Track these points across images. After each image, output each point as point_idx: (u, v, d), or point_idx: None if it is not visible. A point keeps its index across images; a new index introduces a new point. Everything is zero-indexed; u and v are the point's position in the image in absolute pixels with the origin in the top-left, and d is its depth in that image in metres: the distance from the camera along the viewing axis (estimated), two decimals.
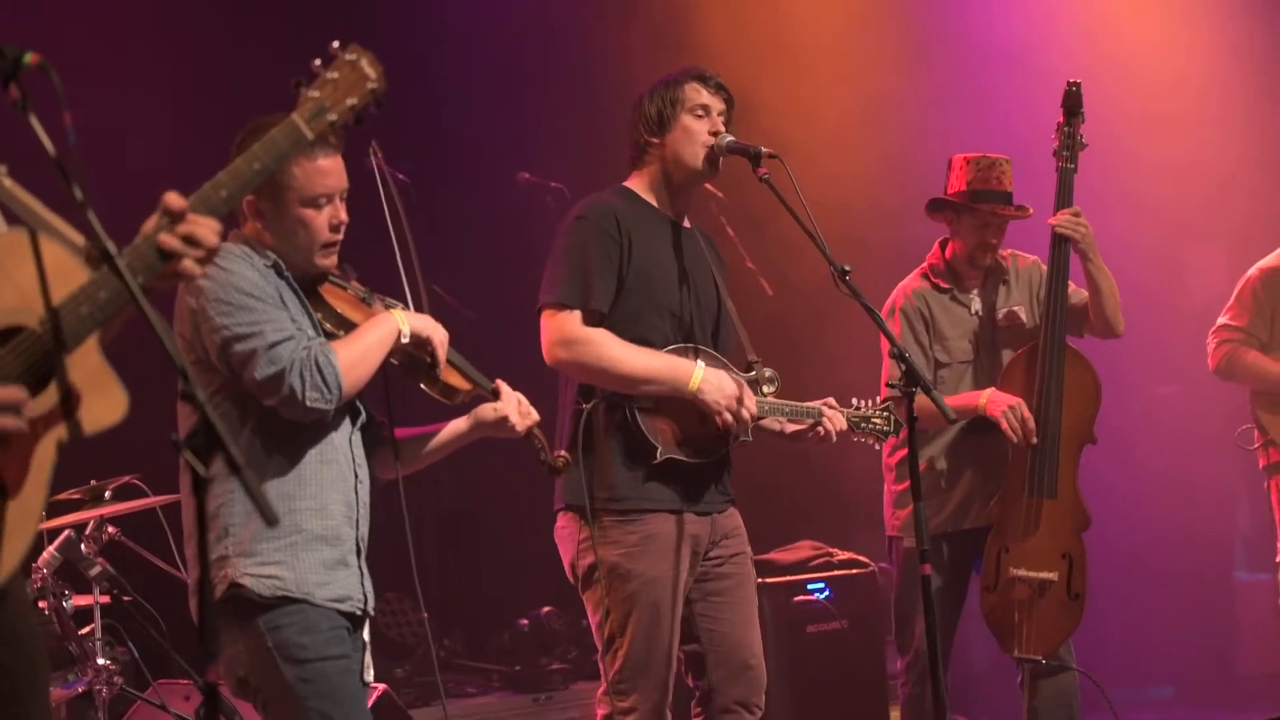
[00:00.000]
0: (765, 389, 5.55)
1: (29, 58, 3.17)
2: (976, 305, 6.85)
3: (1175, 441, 9.94)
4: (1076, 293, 6.79)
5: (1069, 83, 6.85)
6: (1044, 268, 6.88)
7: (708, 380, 5.35)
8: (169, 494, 6.71)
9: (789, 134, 8.28)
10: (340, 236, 4.65)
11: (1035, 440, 6.52)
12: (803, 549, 8.26)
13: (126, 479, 6.82)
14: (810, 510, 9.52)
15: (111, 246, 3.14)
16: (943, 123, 9.82)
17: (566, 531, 5.55)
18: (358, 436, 4.73)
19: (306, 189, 4.56)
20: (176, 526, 6.88)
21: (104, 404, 3.30)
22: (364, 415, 4.78)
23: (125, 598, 6.71)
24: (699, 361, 5.41)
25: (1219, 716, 9.36)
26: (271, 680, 4.50)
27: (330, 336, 4.62)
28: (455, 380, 4.81)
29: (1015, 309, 6.84)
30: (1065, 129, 6.79)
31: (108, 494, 6.77)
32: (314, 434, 4.57)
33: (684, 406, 5.40)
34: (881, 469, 6.95)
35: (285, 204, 4.56)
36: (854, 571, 8.08)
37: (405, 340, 4.59)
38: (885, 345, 6.65)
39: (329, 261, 4.67)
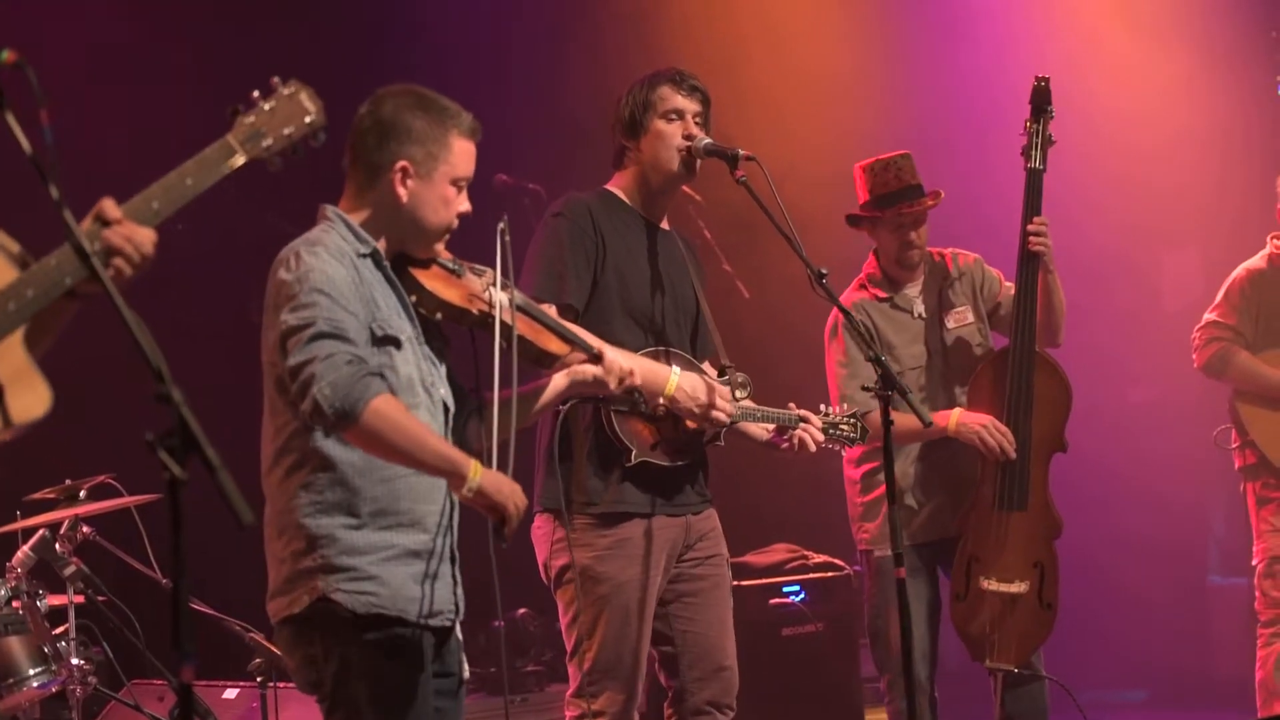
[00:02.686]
0: (738, 394, 5.52)
1: (5, 55, 3.16)
2: (919, 308, 6.76)
3: (1149, 446, 9.97)
4: (1008, 291, 6.77)
5: (1037, 78, 6.74)
6: (985, 267, 6.86)
7: (682, 385, 5.34)
8: (144, 494, 6.71)
9: (767, 133, 8.30)
10: (457, 226, 4.60)
11: (1013, 456, 6.50)
12: (778, 552, 8.27)
13: (101, 479, 6.81)
14: (786, 513, 9.52)
15: (87, 244, 3.15)
16: (925, 124, 9.84)
17: (541, 532, 5.55)
18: (451, 437, 4.58)
19: (460, 167, 4.53)
20: (151, 526, 6.90)
21: (28, 398, 3.32)
22: (453, 409, 4.64)
23: (100, 598, 6.70)
24: (674, 366, 5.40)
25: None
26: (345, 691, 4.40)
27: (426, 322, 4.54)
28: (554, 346, 4.74)
29: (962, 309, 6.80)
30: (1033, 127, 6.69)
31: (83, 493, 6.76)
32: None
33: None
34: (844, 483, 6.89)
35: (437, 178, 4.50)
36: (829, 574, 8.08)
37: (469, 494, 4.33)
38: (830, 359, 6.67)
39: (441, 248, 4.61)
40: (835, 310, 6.62)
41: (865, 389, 5.62)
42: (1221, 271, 7.76)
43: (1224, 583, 10.36)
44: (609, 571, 5.42)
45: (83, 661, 6.60)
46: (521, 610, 9.05)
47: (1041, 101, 6.71)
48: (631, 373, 4.89)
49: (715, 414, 5.38)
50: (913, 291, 6.79)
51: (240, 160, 3.54)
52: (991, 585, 6.56)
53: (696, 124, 5.56)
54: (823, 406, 5.79)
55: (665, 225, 5.73)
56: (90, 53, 8.27)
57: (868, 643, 6.98)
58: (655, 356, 5.46)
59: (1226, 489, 9.22)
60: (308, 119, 3.64)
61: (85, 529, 6.73)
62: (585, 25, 9.70)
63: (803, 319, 7.85)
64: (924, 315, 6.76)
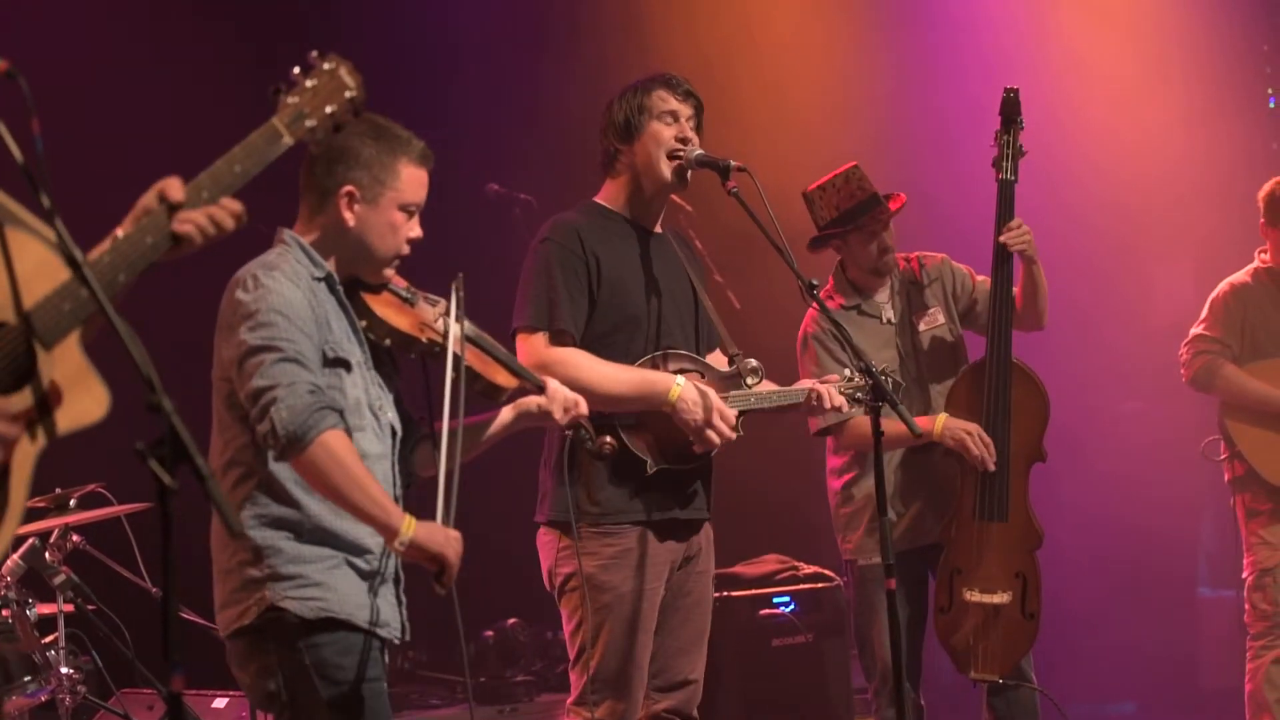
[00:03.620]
0: (750, 380, 5.52)
1: None
2: (888, 314, 6.76)
3: (1139, 457, 9.97)
4: (982, 286, 6.79)
5: (1006, 89, 6.74)
6: (953, 264, 6.86)
7: (683, 397, 5.35)
8: (134, 503, 6.70)
9: (758, 145, 8.31)
10: (408, 252, 4.63)
11: (993, 467, 6.51)
12: (768, 562, 8.27)
13: (92, 487, 6.82)
14: (776, 524, 9.53)
15: (78, 254, 3.15)
16: (911, 138, 9.85)
17: (547, 539, 5.57)
18: (398, 463, 4.66)
19: (407, 193, 4.56)
20: (141, 535, 6.90)
21: (86, 401, 3.31)
22: (401, 433, 4.69)
23: (89, 606, 6.70)
24: (677, 376, 5.41)
25: None
26: (304, 697, 4.44)
27: (376, 348, 4.59)
28: (501, 379, 4.77)
29: (932, 310, 6.80)
30: (1004, 138, 6.69)
31: (73, 502, 6.76)
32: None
33: (666, 418, 5.40)
34: (827, 494, 6.89)
35: (384, 204, 4.53)
36: (819, 585, 8.08)
37: (400, 548, 4.38)
38: (803, 370, 6.66)
39: (392, 274, 4.65)
40: (804, 322, 6.72)
41: (857, 400, 5.63)
42: (1213, 286, 7.77)
43: (1213, 595, 10.36)
44: (612, 581, 5.43)
45: (72, 670, 6.59)
46: (512, 620, 9.06)
47: (1011, 113, 6.71)
48: (577, 404, 4.91)
49: (710, 434, 5.38)
50: (881, 297, 6.80)
51: (288, 143, 3.54)
52: (974, 596, 6.57)
53: (690, 127, 5.56)
54: (847, 372, 5.73)
55: (659, 229, 5.72)
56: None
57: (857, 654, 6.99)
58: (656, 361, 5.48)
59: (1216, 501, 9.23)
60: (348, 94, 3.63)
61: (75, 538, 6.74)
62: (576, 37, 9.72)
63: (794, 330, 7.86)
64: (893, 320, 6.76)
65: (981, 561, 6.58)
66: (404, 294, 4.69)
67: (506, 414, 4.89)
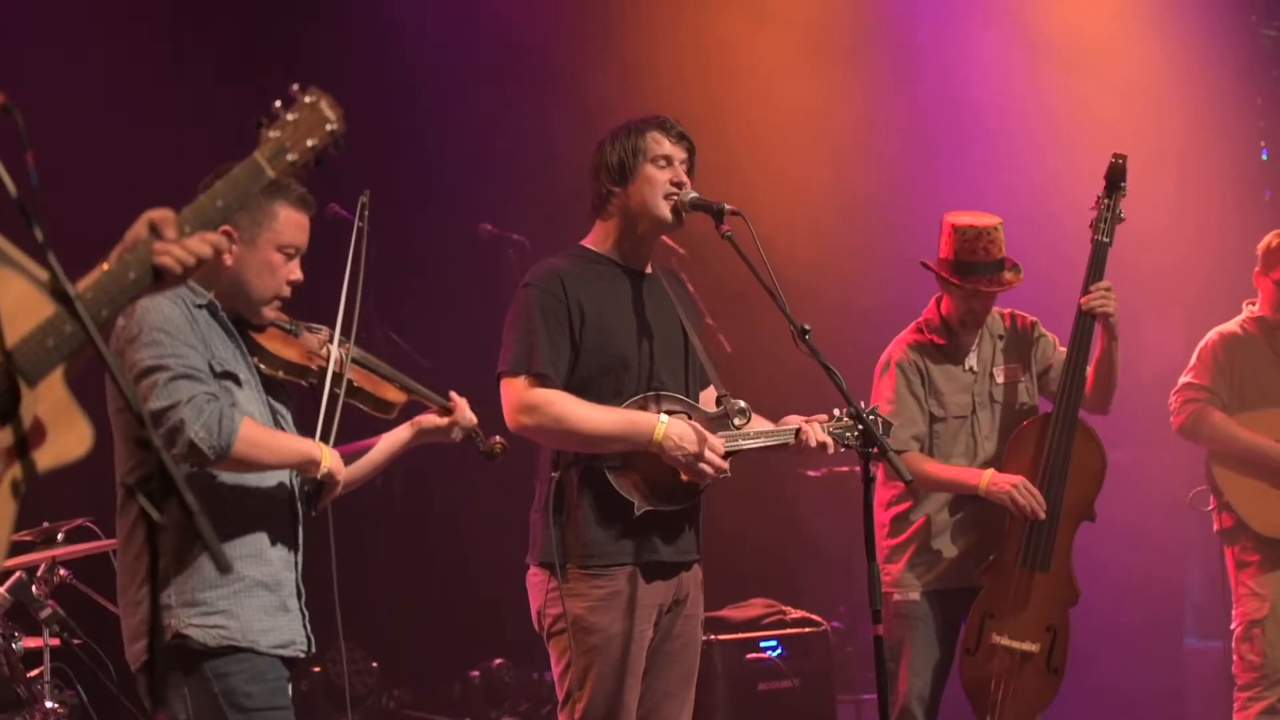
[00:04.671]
0: (737, 421, 5.49)
1: None
2: (972, 362, 6.82)
3: (1128, 508, 9.95)
4: (1060, 355, 6.84)
5: (1115, 155, 6.83)
6: (1043, 329, 6.91)
7: (669, 435, 5.34)
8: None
9: (746, 185, 8.33)
10: (288, 294, 4.72)
11: (1043, 515, 6.54)
12: (755, 606, 8.26)
13: (79, 522, 6.80)
14: (764, 568, 9.52)
15: (71, 290, 3.15)
16: (904, 180, 9.87)
17: (536, 580, 5.55)
18: (297, 477, 4.76)
19: (284, 236, 4.65)
20: None
21: (69, 437, 3.30)
22: None
23: (75, 641, 6.68)
24: (661, 415, 5.40)
25: None
26: None
27: (268, 380, 4.70)
28: (391, 395, 4.97)
29: (1013, 366, 6.86)
30: (1105, 202, 6.81)
31: (60, 536, 6.75)
32: (254, 477, 4.60)
33: (653, 459, 5.39)
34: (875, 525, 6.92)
35: (260, 245, 4.62)
36: (806, 630, 8.07)
37: (320, 475, 4.64)
38: (878, 394, 6.67)
39: (273, 314, 4.73)
40: (891, 346, 6.81)
41: (846, 446, 5.59)
42: (1202, 335, 7.79)
43: (1200, 645, 10.35)
44: (601, 623, 5.41)
45: (57, 705, 6.57)
46: (498, 660, 9.03)
47: (1116, 178, 6.82)
48: (473, 423, 5.12)
49: (703, 466, 5.38)
50: (968, 343, 6.84)
51: (270, 176, 3.57)
52: (1003, 641, 6.61)
53: (683, 171, 5.56)
54: (835, 411, 5.69)
55: (649, 270, 5.72)
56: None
57: (845, 698, 6.99)
58: (645, 403, 5.46)
59: (1203, 551, 9.23)
60: (329, 127, 3.64)
61: (62, 571, 6.72)
62: (571, 75, 9.73)
63: (785, 374, 7.87)
64: (975, 369, 6.82)
65: (1016, 609, 6.63)
66: (288, 327, 4.84)
67: (403, 433, 5.09)
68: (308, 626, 4.76)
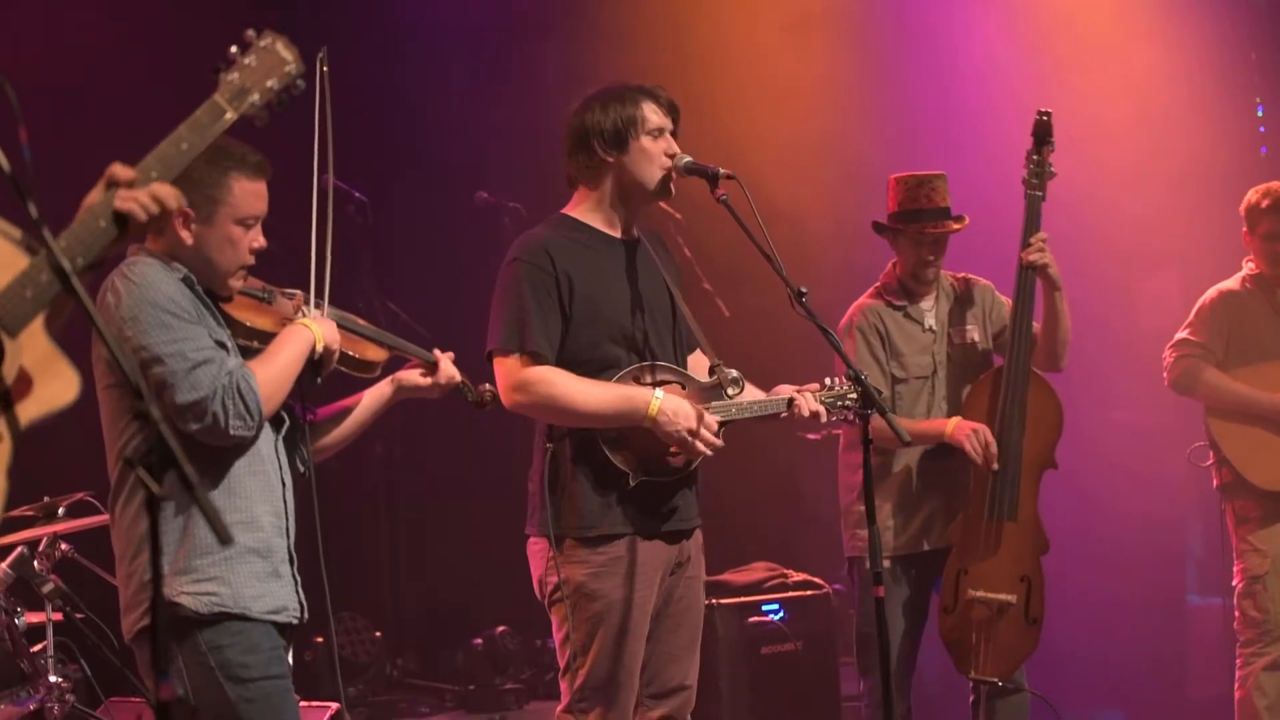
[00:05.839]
0: (730, 391, 5.49)
1: None
2: (930, 322, 6.91)
3: (1128, 466, 9.97)
4: None
5: (1039, 112, 6.90)
6: (997, 293, 6.98)
7: (664, 410, 5.33)
8: None
9: (739, 153, 8.32)
10: (253, 262, 4.72)
11: (996, 465, 6.58)
12: (757, 570, 8.27)
13: (80, 496, 6.80)
14: (765, 531, 9.54)
15: (67, 264, 3.15)
16: (895, 141, 9.86)
17: (537, 547, 5.55)
18: (282, 442, 4.78)
19: (242, 207, 4.63)
20: None
21: (56, 385, 3.32)
22: (288, 421, 4.83)
23: (78, 615, 6.68)
24: (656, 391, 5.39)
25: None
26: (213, 699, 4.53)
27: (245, 351, 4.68)
28: (371, 354, 4.99)
29: (970, 327, 6.91)
30: (1034, 158, 6.87)
31: (61, 510, 6.75)
32: (240, 446, 4.61)
33: (647, 431, 5.38)
34: (839, 488, 6.96)
35: (219, 219, 4.61)
36: (808, 593, 8.09)
37: (319, 351, 4.69)
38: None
39: (239, 284, 4.73)
40: (850, 312, 6.89)
41: (845, 406, 5.61)
42: (1200, 293, 7.80)
43: (1202, 602, 10.36)
44: (603, 589, 5.42)
45: (60, 679, 6.57)
46: (501, 628, 9.04)
47: (1043, 134, 6.87)
48: (452, 378, 5.18)
49: (697, 445, 5.38)
50: (926, 305, 6.93)
51: (231, 118, 3.59)
52: (980, 593, 6.65)
53: (672, 139, 5.57)
54: (827, 380, 5.68)
55: (635, 233, 5.70)
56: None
57: (848, 661, 7.02)
58: (640, 374, 5.46)
59: (1204, 508, 9.24)
60: (287, 68, 3.69)
61: (64, 546, 6.72)
62: (565, 41, 9.72)
63: (784, 337, 7.87)
64: (934, 329, 6.91)
65: (989, 562, 6.68)
66: (260, 294, 4.83)
67: (384, 389, 5.15)
68: (300, 593, 4.78)
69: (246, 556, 4.59)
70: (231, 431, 4.43)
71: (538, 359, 5.37)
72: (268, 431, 4.70)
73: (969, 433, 6.60)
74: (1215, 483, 7.72)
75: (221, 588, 4.53)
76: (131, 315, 4.41)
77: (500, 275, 5.54)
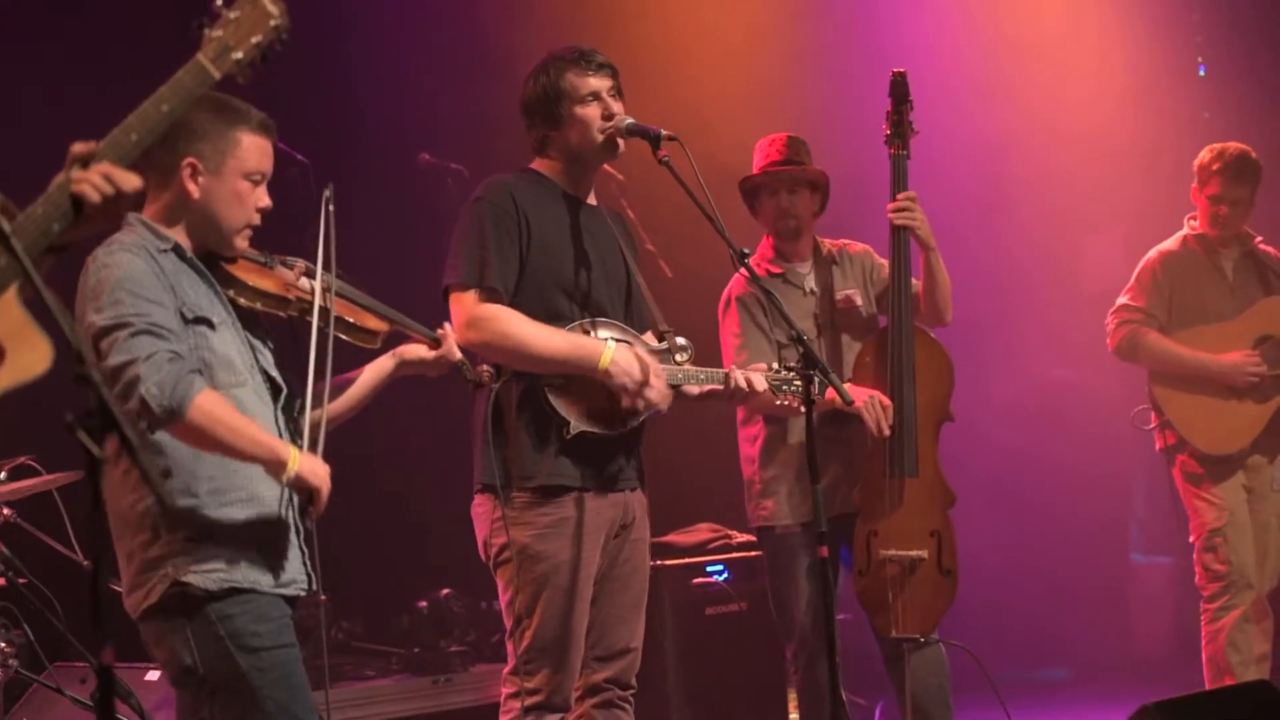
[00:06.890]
0: (679, 357, 5.56)
1: None
2: (811, 285, 6.90)
3: (1071, 426, 10.04)
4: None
5: (894, 72, 6.90)
6: (875, 256, 6.99)
7: (616, 361, 5.36)
8: (64, 473, 6.67)
9: (684, 106, 8.32)
10: (258, 222, 4.66)
11: (888, 431, 6.58)
12: (701, 531, 8.29)
13: (22, 459, 6.77)
14: (709, 492, 9.54)
15: (5, 225, 3.13)
16: (848, 104, 9.87)
17: (481, 509, 5.56)
18: (282, 416, 4.71)
19: (250, 162, 4.58)
20: (73, 508, 6.85)
21: (29, 356, 3.28)
22: (286, 391, 4.75)
23: (20, 580, 6.65)
24: (609, 341, 5.42)
25: (1114, 698, 9.45)
26: (224, 669, 4.50)
27: (245, 312, 4.62)
28: (372, 324, 4.89)
29: (851, 293, 6.90)
30: (894, 117, 6.85)
31: (2, 475, 6.71)
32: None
33: (594, 383, 5.40)
34: (740, 460, 6.96)
35: (226, 173, 4.55)
36: (753, 554, 8.08)
37: (285, 480, 4.45)
38: (724, 331, 6.76)
39: (244, 244, 4.66)
40: (730, 285, 6.86)
41: (789, 368, 5.68)
42: (1142, 252, 7.82)
43: (1146, 561, 10.46)
44: (548, 550, 5.43)
45: (4, 645, 6.56)
46: (445, 591, 9.03)
47: (901, 93, 6.87)
48: (459, 357, 5.11)
49: (649, 393, 5.39)
50: (803, 269, 6.93)
51: (215, 77, 3.53)
52: (891, 552, 6.66)
53: (612, 97, 5.56)
54: (774, 365, 5.79)
55: (592, 200, 5.72)
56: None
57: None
58: (584, 328, 5.47)
59: (1147, 469, 9.30)
60: (272, 22, 3.59)
61: (6, 510, 6.69)
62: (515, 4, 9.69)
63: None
64: (815, 291, 6.89)
65: (896, 519, 6.69)
66: (261, 259, 4.77)
67: (386, 363, 5.06)
68: (308, 564, 4.74)
69: (251, 533, 4.53)
70: (144, 394, 4.20)
71: (494, 296, 5.38)
72: (266, 401, 4.64)
73: (864, 401, 6.55)
74: (1159, 445, 7.75)
75: (229, 565, 4.48)
76: (94, 294, 4.35)
77: (462, 213, 5.55)
